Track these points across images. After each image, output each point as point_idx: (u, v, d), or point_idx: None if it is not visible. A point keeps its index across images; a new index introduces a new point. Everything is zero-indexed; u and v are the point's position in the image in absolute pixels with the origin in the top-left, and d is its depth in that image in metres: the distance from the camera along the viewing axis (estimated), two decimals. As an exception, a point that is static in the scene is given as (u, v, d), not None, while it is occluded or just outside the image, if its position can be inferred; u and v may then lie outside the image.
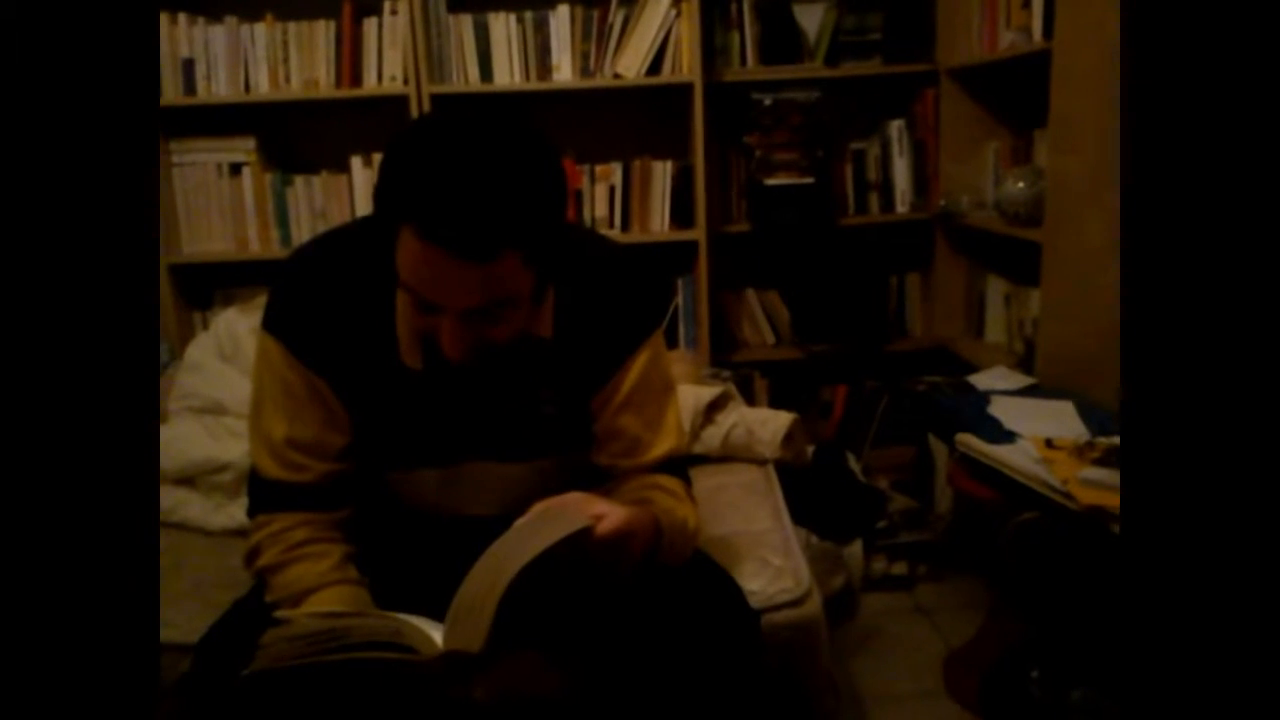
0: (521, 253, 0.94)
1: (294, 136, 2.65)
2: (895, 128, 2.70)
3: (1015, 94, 2.51)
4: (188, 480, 1.77)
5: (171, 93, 2.47)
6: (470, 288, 0.94)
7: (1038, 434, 1.72)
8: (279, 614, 1.03)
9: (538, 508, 0.96)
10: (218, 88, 2.49)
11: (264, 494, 1.13)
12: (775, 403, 2.65)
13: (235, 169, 2.54)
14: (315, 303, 1.08)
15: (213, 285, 2.65)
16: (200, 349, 1.97)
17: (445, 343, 0.98)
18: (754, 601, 1.22)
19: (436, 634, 0.91)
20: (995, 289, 2.62)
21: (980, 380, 2.14)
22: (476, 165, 0.91)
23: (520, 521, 0.95)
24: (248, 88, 2.50)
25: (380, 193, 0.95)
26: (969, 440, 1.78)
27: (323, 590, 1.07)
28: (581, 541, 0.94)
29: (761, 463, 1.86)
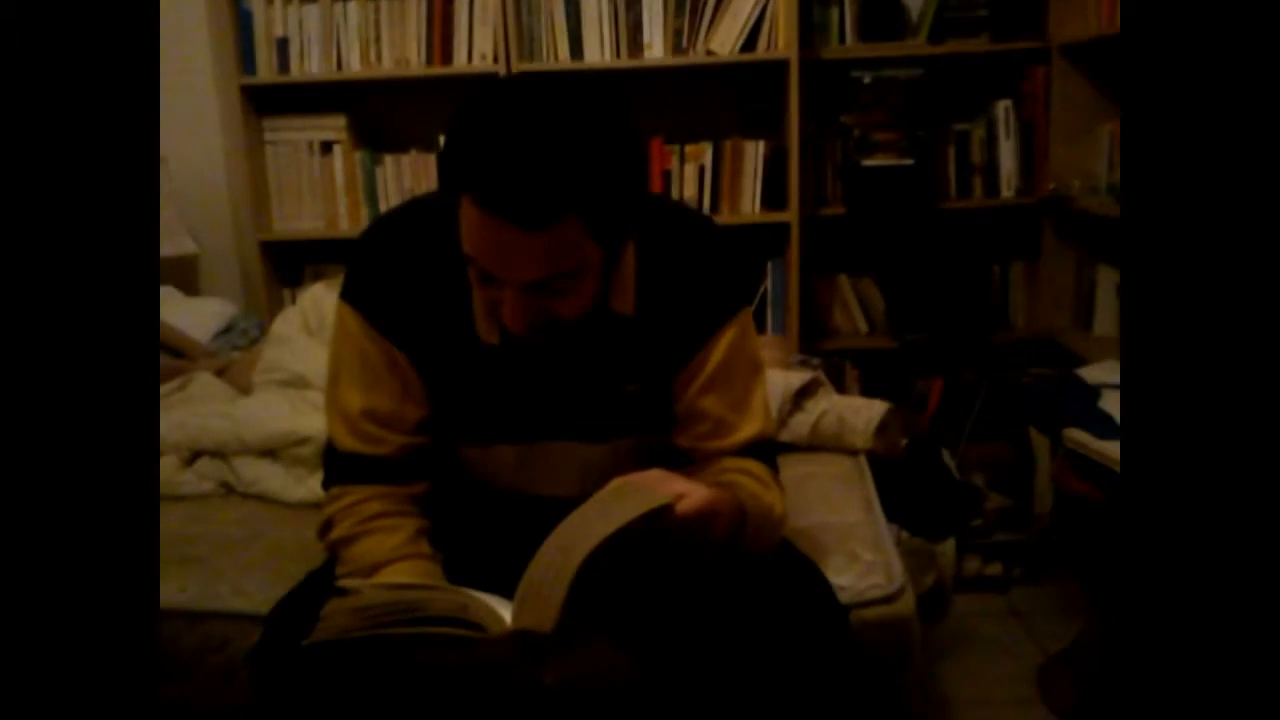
0: (584, 222, 0.91)
1: (384, 115, 2.67)
2: (1002, 108, 2.59)
3: (1134, 71, 2.38)
4: (269, 453, 1.77)
5: (266, 71, 2.52)
6: (530, 259, 0.91)
7: (1154, 430, 1.60)
8: (344, 584, 1.04)
9: (615, 483, 0.93)
10: (310, 66, 2.52)
11: (339, 466, 1.12)
12: (867, 394, 2.50)
13: (326, 147, 2.58)
14: (393, 273, 1.07)
15: (303, 262, 2.69)
16: (286, 323, 1.99)
17: (507, 316, 0.96)
18: (843, 597, 1.17)
19: (506, 612, 0.89)
20: (1106, 278, 2.49)
21: (1090, 374, 2.03)
22: (536, 131, 0.88)
23: (596, 496, 0.91)
24: (340, 66, 2.52)
25: (442, 160, 0.94)
26: (1077, 436, 1.69)
27: (394, 564, 1.06)
28: (660, 521, 0.91)
29: (852, 453, 1.79)
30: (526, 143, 0.88)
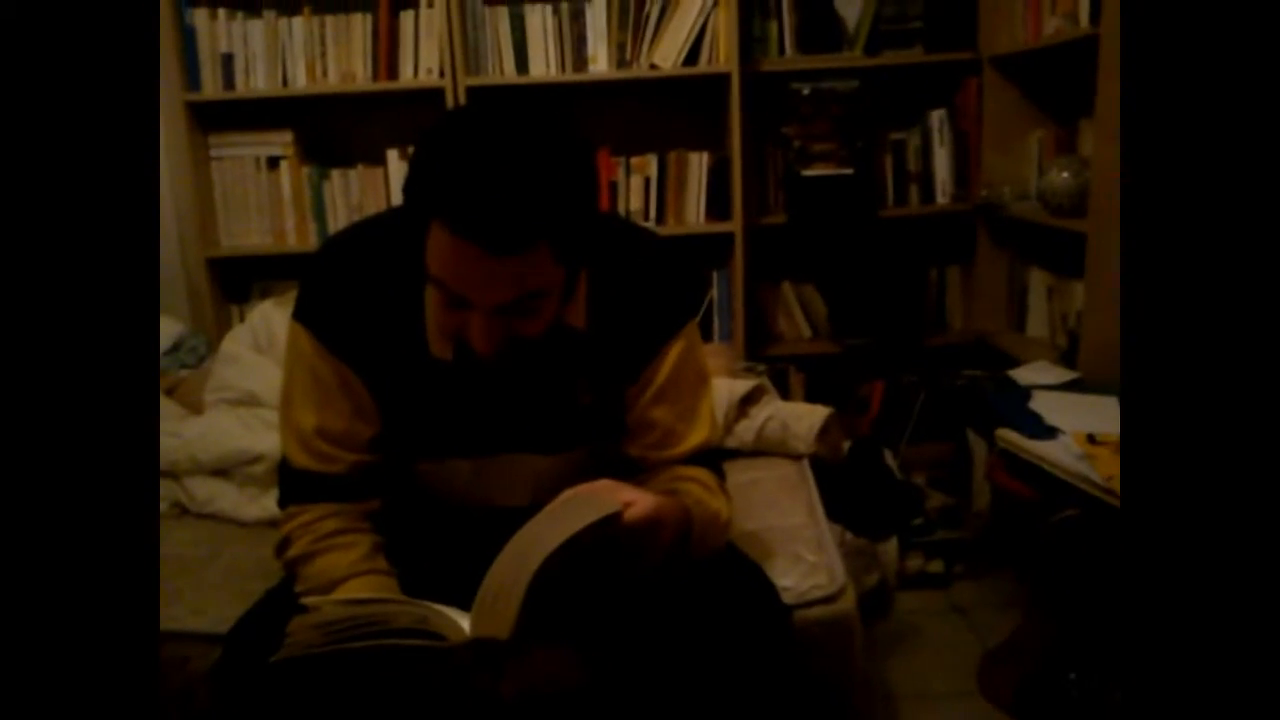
0: (553, 246, 0.93)
1: (331, 130, 2.66)
2: (936, 117, 2.65)
3: (1060, 82, 2.46)
4: (222, 472, 1.78)
5: (211, 88, 2.50)
6: (501, 283, 0.94)
7: (1080, 429, 1.67)
8: (305, 601, 1.04)
9: (566, 494, 0.96)
10: (256, 82, 2.50)
11: (294, 484, 1.13)
12: (811, 398, 2.60)
13: (273, 162, 2.55)
14: (345, 293, 1.08)
15: (250, 279, 2.67)
16: (236, 341, 1.98)
17: (475, 339, 0.97)
18: (786, 598, 1.20)
19: (465, 622, 0.91)
20: (1038, 282, 2.56)
21: (1022, 375, 2.09)
22: (508, 159, 0.90)
23: (549, 507, 0.94)
24: (285, 82, 2.51)
25: (411, 186, 0.95)
26: (1009, 436, 1.74)
27: (352, 580, 1.07)
28: (610, 528, 0.93)
29: (796, 458, 1.83)
30: (501, 170, 0.90)
